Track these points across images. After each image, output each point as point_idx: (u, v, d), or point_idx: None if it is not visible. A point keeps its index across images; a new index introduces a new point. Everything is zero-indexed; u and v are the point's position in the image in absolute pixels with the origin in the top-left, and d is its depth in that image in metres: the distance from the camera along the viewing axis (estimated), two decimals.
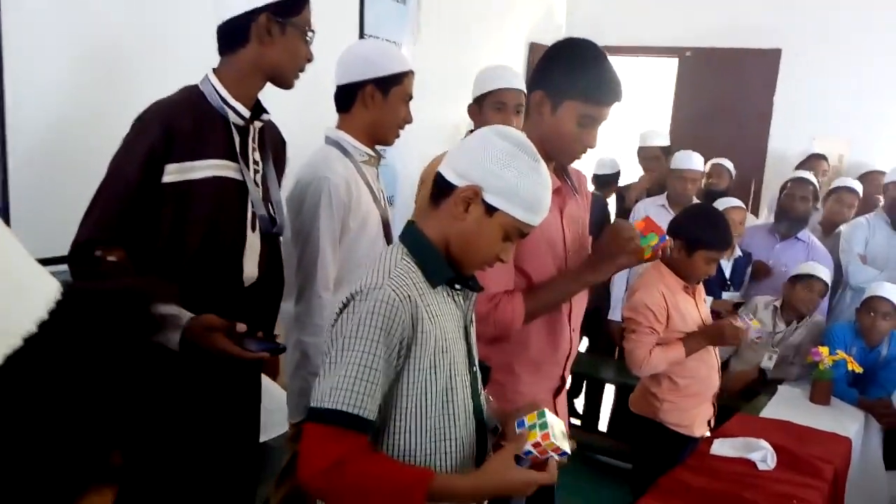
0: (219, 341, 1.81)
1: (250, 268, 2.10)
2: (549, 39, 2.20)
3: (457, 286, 1.63)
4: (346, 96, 2.44)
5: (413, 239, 1.59)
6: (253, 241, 2.10)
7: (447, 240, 1.58)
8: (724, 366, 3.98)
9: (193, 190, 1.94)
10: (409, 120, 2.48)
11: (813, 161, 5.24)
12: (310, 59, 2.10)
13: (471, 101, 3.07)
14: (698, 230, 2.94)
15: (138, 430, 0.46)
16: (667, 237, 2.15)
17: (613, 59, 2.13)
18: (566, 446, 1.55)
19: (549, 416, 1.56)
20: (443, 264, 1.58)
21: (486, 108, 2.98)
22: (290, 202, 2.34)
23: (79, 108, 2.66)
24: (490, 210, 1.54)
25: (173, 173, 1.92)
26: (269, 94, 2.14)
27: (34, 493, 0.39)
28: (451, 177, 1.56)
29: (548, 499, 2.48)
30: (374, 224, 2.40)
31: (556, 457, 1.55)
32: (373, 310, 1.44)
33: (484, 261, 1.61)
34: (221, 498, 2.16)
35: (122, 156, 1.93)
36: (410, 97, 2.48)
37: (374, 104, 2.41)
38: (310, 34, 2.07)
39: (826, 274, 4.02)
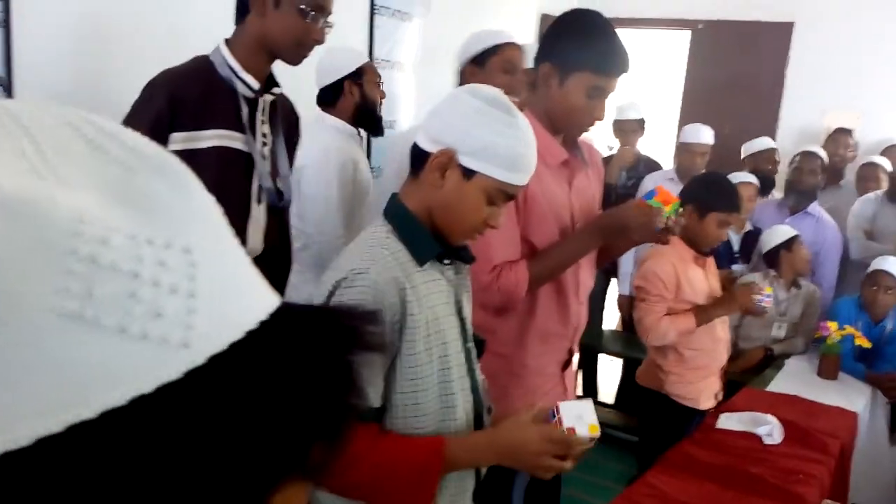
0: None
1: (254, 241, 2.09)
2: (560, 11, 2.16)
3: (446, 261, 1.56)
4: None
5: (396, 215, 1.52)
6: (258, 214, 2.09)
7: (430, 211, 1.51)
8: (734, 347, 4.01)
9: (198, 159, 1.92)
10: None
11: (837, 135, 5.21)
12: (319, 41, 2.04)
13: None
14: (709, 193, 2.96)
15: (336, 431, 0.47)
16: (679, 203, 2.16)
17: (625, 32, 2.11)
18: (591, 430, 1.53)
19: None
20: (428, 240, 1.50)
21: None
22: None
23: (83, 80, 2.64)
24: (468, 173, 1.46)
25: (178, 142, 1.92)
26: (287, 69, 2.12)
27: (228, 481, 0.40)
28: (424, 143, 1.49)
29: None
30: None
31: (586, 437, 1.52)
32: (359, 297, 1.39)
33: (471, 229, 1.53)
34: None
35: (129, 123, 1.90)
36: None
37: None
38: (312, 14, 1.98)
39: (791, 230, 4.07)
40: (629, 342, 4.44)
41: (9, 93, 2.48)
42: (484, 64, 2.41)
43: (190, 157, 1.91)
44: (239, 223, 2.05)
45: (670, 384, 3.01)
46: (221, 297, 0.42)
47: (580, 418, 1.54)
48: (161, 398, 0.38)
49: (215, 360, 0.41)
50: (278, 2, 1.96)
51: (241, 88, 2.01)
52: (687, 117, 5.77)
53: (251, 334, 0.43)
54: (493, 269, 2.03)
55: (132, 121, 1.92)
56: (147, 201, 0.41)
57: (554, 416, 1.53)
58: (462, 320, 1.61)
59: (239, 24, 2.03)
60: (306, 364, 0.45)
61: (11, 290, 0.35)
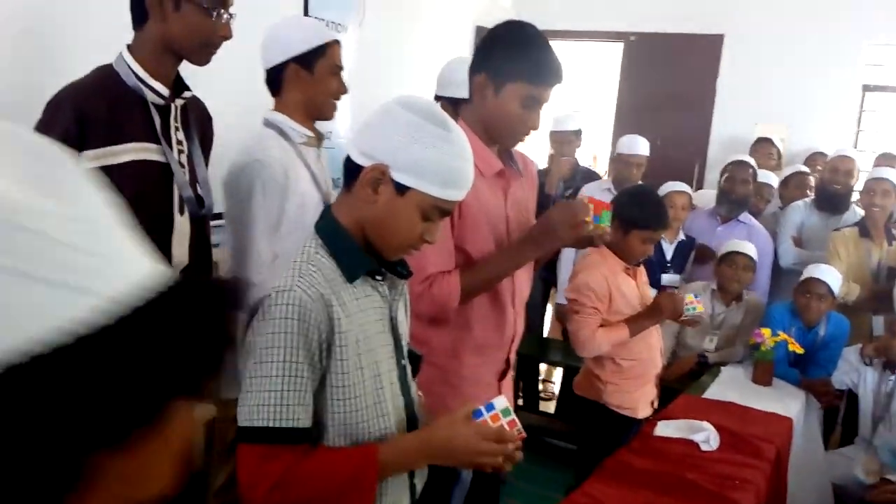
0: None
1: (180, 253, 2.02)
2: (495, 23, 2.16)
3: (377, 277, 1.52)
4: (274, 80, 2.37)
5: (327, 229, 1.49)
6: (182, 225, 2.02)
7: (363, 225, 1.47)
8: (673, 355, 4.04)
9: (115, 176, 1.84)
10: (343, 90, 2.41)
11: (759, 145, 5.33)
12: (226, 37, 1.99)
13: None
14: (632, 210, 2.94)
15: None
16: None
17: (559, 44, 2.12)
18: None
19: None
20: (358, 256, 1.47)
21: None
22: (225, 187, 2.25)
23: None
24: (401, 189, 1.42)
25: (92, 160, 1.83)
26: (209, 74, 2.05)
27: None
28: (356, 157, 1.44)
29: (493, 480, 2.48)
30: (313, 208, 2.31)
31: (512, 429, 1.50)
32: (285, 314, 1.36)
33: (406, 244, 1.50)
34: None
35: None
36: (340, 68, 2.40)
37: (301, 82, 2.33)
38: (217, 11, 1.93)
39: (749, 248, 4.09)
40: (569, 351, 4.46)
41: None
42: (312, 68, 2.32)
43: (106, 173, 1.83)
44: (163, 236, 1.98)
45: (608, 394, 3.00)
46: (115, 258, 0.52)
47: (509, 413, 1.53)
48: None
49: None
50: (178, 4, 1.89)
51: (150, 97, 1.93)
52: (620, 128, 5.86)
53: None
54: (426, 278, 2.01)
55: None
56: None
57: (482, 414, 1.50)
58: (396, 337, 1.58)
59: (137, 29, 1.95)
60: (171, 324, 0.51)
61: None
